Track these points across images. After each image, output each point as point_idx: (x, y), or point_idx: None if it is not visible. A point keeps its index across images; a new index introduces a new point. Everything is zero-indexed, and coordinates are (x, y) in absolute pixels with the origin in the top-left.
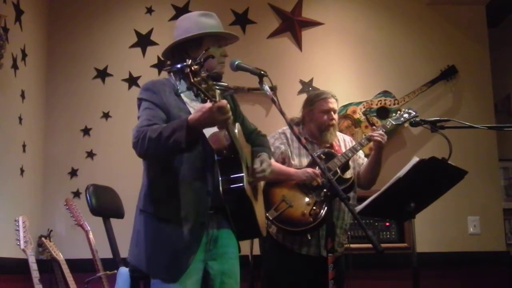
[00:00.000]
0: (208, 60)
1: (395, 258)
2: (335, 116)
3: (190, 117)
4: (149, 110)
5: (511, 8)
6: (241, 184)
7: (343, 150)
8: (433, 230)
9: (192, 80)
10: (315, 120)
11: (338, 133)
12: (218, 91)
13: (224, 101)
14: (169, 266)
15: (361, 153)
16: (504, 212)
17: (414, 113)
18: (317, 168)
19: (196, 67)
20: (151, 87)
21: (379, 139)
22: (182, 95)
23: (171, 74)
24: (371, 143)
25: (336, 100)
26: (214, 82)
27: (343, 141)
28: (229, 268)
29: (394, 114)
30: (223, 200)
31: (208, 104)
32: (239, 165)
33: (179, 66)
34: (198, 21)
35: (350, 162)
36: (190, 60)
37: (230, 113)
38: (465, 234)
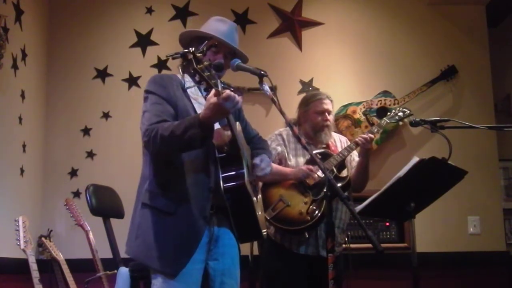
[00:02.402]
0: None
1: (395, 258)
2: (330, 117)
3: (201, 114)
4: (157, 105)
5: (511, 8)
6: (242, 181)
7: (339, 150)
8: (433, 230)
9: (195, 66)
10: (309, 121)
11: (334, 134)
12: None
13: (228, 91)
14: (171, 258)
15: (355, 156)
16: (504, 212)
17: (408, 111)
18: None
19: (199, 55)
20: (159, 80)
21: (358, 141)
22: (188, 91)
23: (179, 69)
24: None
25: (331, 101)
26: (221, 80)
27: (339, 141)
28: (229, 268)
29: (389, 113)
30: (224, 197)
31: (214, 99)
32: (240, 162)
33: (181, 52)
34: (220, 29)
35: (347, 163)
36: (193, 48)
37: (239, 103)
38: (465, 234)
